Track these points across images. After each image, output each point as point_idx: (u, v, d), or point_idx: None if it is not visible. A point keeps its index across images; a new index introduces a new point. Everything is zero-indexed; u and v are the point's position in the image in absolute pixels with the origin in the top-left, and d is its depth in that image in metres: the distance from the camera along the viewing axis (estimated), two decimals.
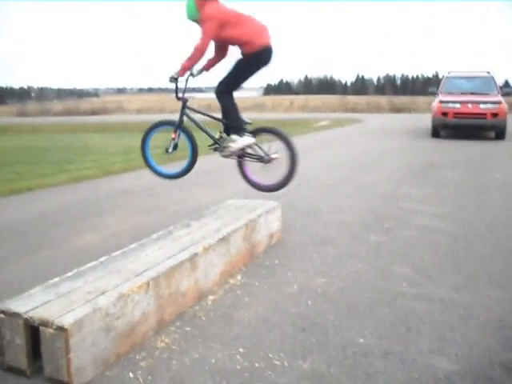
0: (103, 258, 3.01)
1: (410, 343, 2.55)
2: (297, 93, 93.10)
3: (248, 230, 3.78)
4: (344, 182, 7.08)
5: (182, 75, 3.82)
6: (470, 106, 12.03)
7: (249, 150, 4.07)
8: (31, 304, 2.31)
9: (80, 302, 2.33)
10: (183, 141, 4.07)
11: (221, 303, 3.08)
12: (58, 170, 8.62)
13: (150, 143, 4.20)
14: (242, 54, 3.81)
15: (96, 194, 6.67)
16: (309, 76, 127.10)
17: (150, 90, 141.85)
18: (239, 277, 3.51)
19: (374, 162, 9.09)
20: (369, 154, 10.19)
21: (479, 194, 6.13)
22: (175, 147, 4.06)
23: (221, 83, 3.91)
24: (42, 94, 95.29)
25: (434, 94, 13.46)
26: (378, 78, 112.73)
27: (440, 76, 60.43)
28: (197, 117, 4.12)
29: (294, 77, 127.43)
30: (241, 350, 2.51)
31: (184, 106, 4.03)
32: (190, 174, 4.22)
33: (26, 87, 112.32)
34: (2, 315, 2.27)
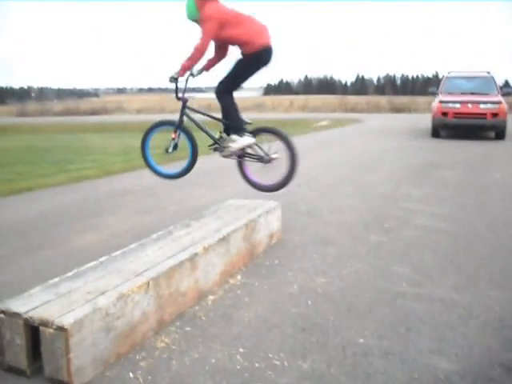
0: (103, 258, 3.01)
1: (410, 343, 2.55)
2: (297, 93, 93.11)
3: (248, 230, 3.78)
4: (344, 181, 7.08)
5: (182, 75, 3.82)
6: (470, 106, 12.02)
7: (249, 150, 4.07)
8: (31, 304, 2.31)
9: (80, 302, 2.33)
10: (183, 141, 4.07)
11: (221, 303, 3.08)
12: (58, 170, 8.62)
13: (150, 143, 4.20)
14: (242, 53, 3.80)
15: (96, 194, 6.67)
16: (309, 76, 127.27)
17: (150, 90, 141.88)
18: (239, 277, 3.51)
19: (374, 162, 9.09)
20: (369, 153, 10.19)
21: (479, 194, 6.13)
22: (175, 147, 4.06)
23: (221, 83, 3.91)
24: (42, 94, 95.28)
25: (434, 94, 13.46)
26: (378, 78, 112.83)
27: (440, 76, 60.49)
28: (197, 117, 4.12)
29: (294, 77, 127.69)
30: (241, 349, 2.51)
31: (184, 106, 4.03)
32: (190, 174, 4.22)
33: (25, 87, 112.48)
34: (2, 315, 2.27)
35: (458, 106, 12.12)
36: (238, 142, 3.93)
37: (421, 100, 29.77)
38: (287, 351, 2.49)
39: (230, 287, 3.33)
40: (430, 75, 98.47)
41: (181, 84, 3.92)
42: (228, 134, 3.99)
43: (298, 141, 4.59)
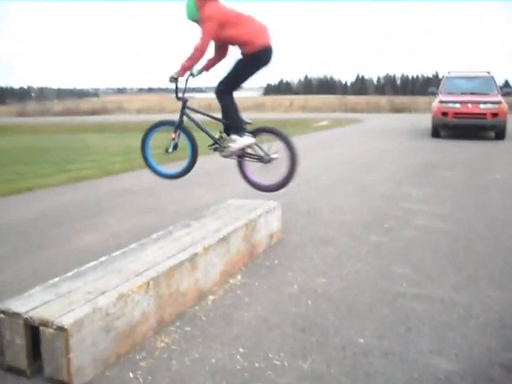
0: (103, 258, 3.01)
1: (410, 343, 2.55)
2: (297, 93, 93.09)
3: (248, 230, 3.78)
4: (344, 181, 7.08)
5: (182, 75, 3.82)
6: (470, 106, 12.02)
7: (249, 150, 4.07)
8: (31, 304, 2.31)
9: (80, 302, 2.33)
10: (183, 141, 4.07)
11: (221, 303, 3.08)
12: (58, 170, 8.62)
13: (149, 143, 4.20)
14: (242, 53, 3.80)
15: (96, 194, 6.67)
16: (309, 76, 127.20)
17: (150, 89, 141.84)
18: (239, 277, 3.51)
19: (374, 161, 9.09)
20: (369, 153, 10.19)
21: (479, 194, 6.13)
22: (175, 147, 4.05)
23: (221, 83, 3.91)
24: (42, 94, 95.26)
25: (434, 94, 13.45)
26: (378, 78, 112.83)
27: (440, 76, 60.49)
28: (197, 117, 4.11)
29: (294, 77, 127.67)
30: (241, 350, 2.51)
31: (184, 106, 4.03)
32: (190, 174, 4.22)
33: (26, 87, 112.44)
34: (2, 315, 2.27)
35: (458, 106, 12.12)
36: (238, 142, 3.93)
37: (421, 100, 29.78)
38: (287, 351, 2.49)
39: (230, 287, 3.33)
40: (430, 75, 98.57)
41: (181, 84, 3.92)
42: (228, 134, 3.99)
43: (298, 141, 4.59)
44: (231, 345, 2.56)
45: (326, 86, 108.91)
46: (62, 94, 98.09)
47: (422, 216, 5.08)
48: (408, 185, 6.73)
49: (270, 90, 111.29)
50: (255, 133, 4.01)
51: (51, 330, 2.14)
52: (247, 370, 2.33)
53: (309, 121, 20.57)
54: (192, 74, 3.91)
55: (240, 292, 3.25)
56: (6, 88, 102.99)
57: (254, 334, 2.67)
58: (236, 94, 4.00)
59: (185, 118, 4.04)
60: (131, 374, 2.30)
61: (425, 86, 60.73)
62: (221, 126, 4.06)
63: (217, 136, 4.05)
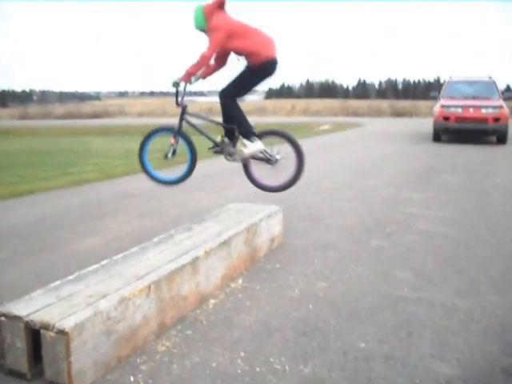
0: (104, 262, 3.01)
1: (412, 348, 2.54)
2: (298, 97, 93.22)
3: (249, 233, 3.78)
4: (345, 186, 7.08)
5: (186, 81, 3.82)
6: (471, 110, 12.03)
7: (259, 154, 4.08)
8: (32, 307, 2.31)
9: (81, 306, 2.33)
10: (182, 146, 4.07)
11: (222, 307, 3.07)
12: (59, 173, 8.63)
13: (148, 149, 4.20)
14: (248, 64, 3.82)
15: (97, 197, 6.68)
16: (310, 80, 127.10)
17: (152, 93, 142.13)
18: (240, 281, 3.51)
19: (375, 166, 9.09)
20: (370, 158, 10.20)
21: (480, 199, 6.13)
22: (174, 153, 4.06)
23: (224, 90, 3.92)
24: (44, 97, 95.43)
25: (436, 98, 13.48)
26: (380, 83, 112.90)
27: (441, 80, 60.60)
28: (197, 121, 4.12)
29: (296, 81, 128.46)
30: (242, 354, 2.51)
31: (183, 112, 4.03)
32: (191, 178, 4.22)
33: (27, 90, 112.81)
34: (2, 318, 2.27)
35: (459, 110, 12.13)
36: (250, 147, 3.92)
37: (422, 104, 29.81)
38: (288, 355, 2.48)
39: (231, 291, 3.33)
40: (432, 80, 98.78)
41: (180, 89, 3.93)
42: (229, 138, 4.00)
43: None
44: (232, 349, 2.56)
45: (328, 90, 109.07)
46: (63, 97, 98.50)
47: (424, 220, 5.08)
48: (409, 189, 6.73)
49: (271, 93, 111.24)
50: (262, 136, 4.01)
51: (52, 334, 2.14)
52: (248, 374, 2.32)
53: (310, 125, 20.58)
54: (189, 81, 3.92)
55: (241, 296, 3.25)
56: (8, 91, 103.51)
57: (255, 338, 2.67)
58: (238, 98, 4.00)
59: (184, 124, 4.04)
60: (132, 378, 2.30)
61: (426, 90, 60.89)
62: (222, 130, 4.06)
63: (218, 140, 4.06)
